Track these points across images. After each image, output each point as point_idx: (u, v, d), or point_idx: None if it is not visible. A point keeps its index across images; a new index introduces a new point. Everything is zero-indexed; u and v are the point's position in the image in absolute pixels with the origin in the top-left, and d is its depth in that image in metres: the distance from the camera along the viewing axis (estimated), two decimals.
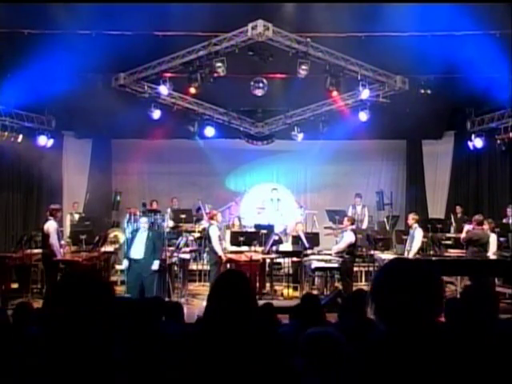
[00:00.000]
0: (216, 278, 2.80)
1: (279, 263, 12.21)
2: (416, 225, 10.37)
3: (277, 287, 11.43)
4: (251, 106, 13.94)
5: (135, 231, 9.56)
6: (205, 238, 11.10)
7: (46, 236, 9.50)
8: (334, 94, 12.00)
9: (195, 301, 10.05)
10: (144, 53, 10.71)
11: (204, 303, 2.78)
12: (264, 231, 11.16)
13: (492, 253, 10.17)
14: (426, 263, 1.93)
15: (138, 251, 9.15)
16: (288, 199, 14.54)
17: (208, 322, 2.50)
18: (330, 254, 10.55)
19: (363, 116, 12.45)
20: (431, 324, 1.71)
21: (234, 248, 10.79)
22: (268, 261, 11.21)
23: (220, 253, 10.27)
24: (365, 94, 11.67)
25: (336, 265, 10.30)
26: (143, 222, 9.47)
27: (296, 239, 11.13)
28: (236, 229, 12.00)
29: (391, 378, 1.63)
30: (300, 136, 13.82)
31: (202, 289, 11.01)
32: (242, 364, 2.28)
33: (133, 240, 9.28)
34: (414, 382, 1.63)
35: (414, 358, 1.64)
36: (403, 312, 1.70)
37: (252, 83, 11.72)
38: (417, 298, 1.70)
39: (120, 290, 9.90)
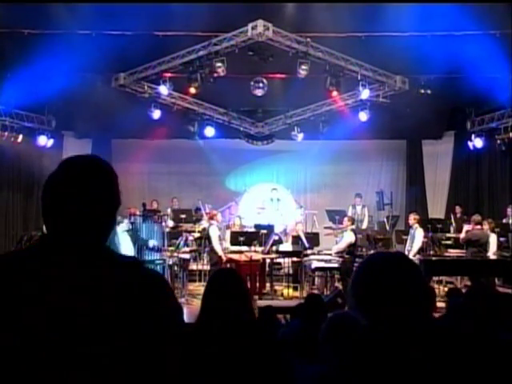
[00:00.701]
0: (209, 277, 2.82)
1: (279, 263, 12.20)
2: (417, 225, 10.37)
3: (277, 287, 11.42)
4: (251, 106, 13.94)
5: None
6: (205, 237, 11.10)
7: None
8: (334, 94, 12.00)
9: (195, 301, 10.03)
10: (144, 53, 10.71)
11: None
12: (264, 231, 11.16)
13: (492, 253, 10.17)
14: (404, 255, 1.93)
15: (129, 252, 9.10)
16: (288, 199, 14.53)
17: (204, 322, 2.50)
18: (330, 254, 10.55)
19: (363, 116, 12.45)
20: (416, 317, 1.69)
21: (234, 248, 10.79)
22: (268, 261, 11.21)
23: (220, 253, 10.27)
24: (365, 94, 11.67)
25: (336, 265, 10.30)
26: (124, 223, 9.40)
27: (296, 239, 11.14)
28: (237, 228, 12.01)
29: (376, 374, 1.62)
30: (300, 136, 13.82)
31: (202, 289, 10.96)
32: (238, 362, 2.28)
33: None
34: (397, 378, 1.62)
35: (397, 353, 1.63)
36: (380, 304, 1.68)
37: (252, 83, 11.72)
38: (395, 290, 1.68)
39: None
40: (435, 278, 10.57)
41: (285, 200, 14.32)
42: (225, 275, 2.65)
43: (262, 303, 8.54)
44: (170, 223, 11.82)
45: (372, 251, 10.84)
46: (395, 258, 1.80)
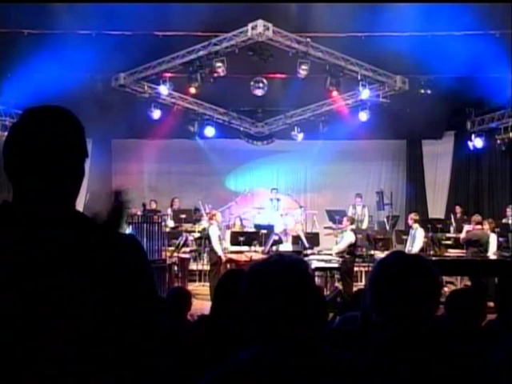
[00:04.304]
0: (220, 278, 2.79)
1: None
2: (416, 225, 10.38)
3: None
4: (251, 105, 13.94)
5: None
6: (205, 238, 11.11)
7: None
8: (334, 94, 12.01)
9: (195, 301, 9.95)
10: (144, 53, 10.70)
11: (204, 303, 2.79)
12: (264, 231, 11.16)
13: (492, 253, 10.17)
14: (424, 258, 1.94)
15: None
16: (287, 199, 14.52)
17: (215, 322, 2.50)
18: (330, 254, 10.55)
19: (363, 116, 12.45)
20: (429, 317, 1.71)
21: (234, 248, 10.79)
22: None
23: (220, 253, 10.27)
24: (365, 94, 11.67)
25: (336, 265, 10.29)
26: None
27: (296, 239, 11.13)
28: (237, 229, 12.00)
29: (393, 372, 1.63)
30: (300, 136, 13.82)
31: (202, 289, 11.00)
32: None
33: None
34: (417, 377, 1.63)
35: (416, 353, 1.64)
36: (402, 304, 1.69)
37: (252, 83, 11.72)
38: (416, 291, 1.70)
39: None
40: None
41: (284, 200, 14.32)
42: (238, 276, 2.63)
43: None
44: (170, 223, 11.82)
45: (372, 251, 10.86)
46: (415, 260, 1.81)
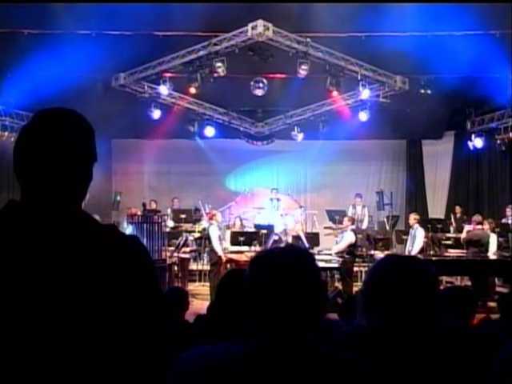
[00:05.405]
0: (221, 278, 2.79)
1: None
2: (417, 225, 10.37)
3: None
4: (251, 105, 13.94)
5: None
6: (205, 238, 11.10)
7: None
8: (334, 93, 12.02)
9: (195, 301, 10.01)
10: (144, 53, 10.70)
11: (204, 303, 2.79)
12: (264, 231, 11.16)
13: (492, 253, 10.17)
14: (419, 260, 1.92)
15: None
16: (288, 199, 14.52)
17: (214, 320, 2.50)
18: (330, 254, 10.55)
19: (363, 116, 12.46)
20: (424, 320, 1.69)
21: (235, 248, 10.79)
22: None
23: (220, 253, 10.26)
24: (365, 94, 11.68)
25: (336, 265, 10.29)
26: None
27: (296, 239, 11.13)
28: (237, 229, 12.00)
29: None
30: (300, 136, 13.83)
31: (202, 289, 11.00)
32: None
33: None
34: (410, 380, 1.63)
35: (409, 357, 1.64)
36: (396, 308, 1.67)
37: (252, 83, 11.72)
38: (410, 295, 1.67)
39: None
40: None
41: (284, 200, 14.32)
42: (239, 276, 2.63)
43: None
44: (170, 223, 11.82)
45: (372, 251, 10.86)
46: (407, 263, 1.79)
